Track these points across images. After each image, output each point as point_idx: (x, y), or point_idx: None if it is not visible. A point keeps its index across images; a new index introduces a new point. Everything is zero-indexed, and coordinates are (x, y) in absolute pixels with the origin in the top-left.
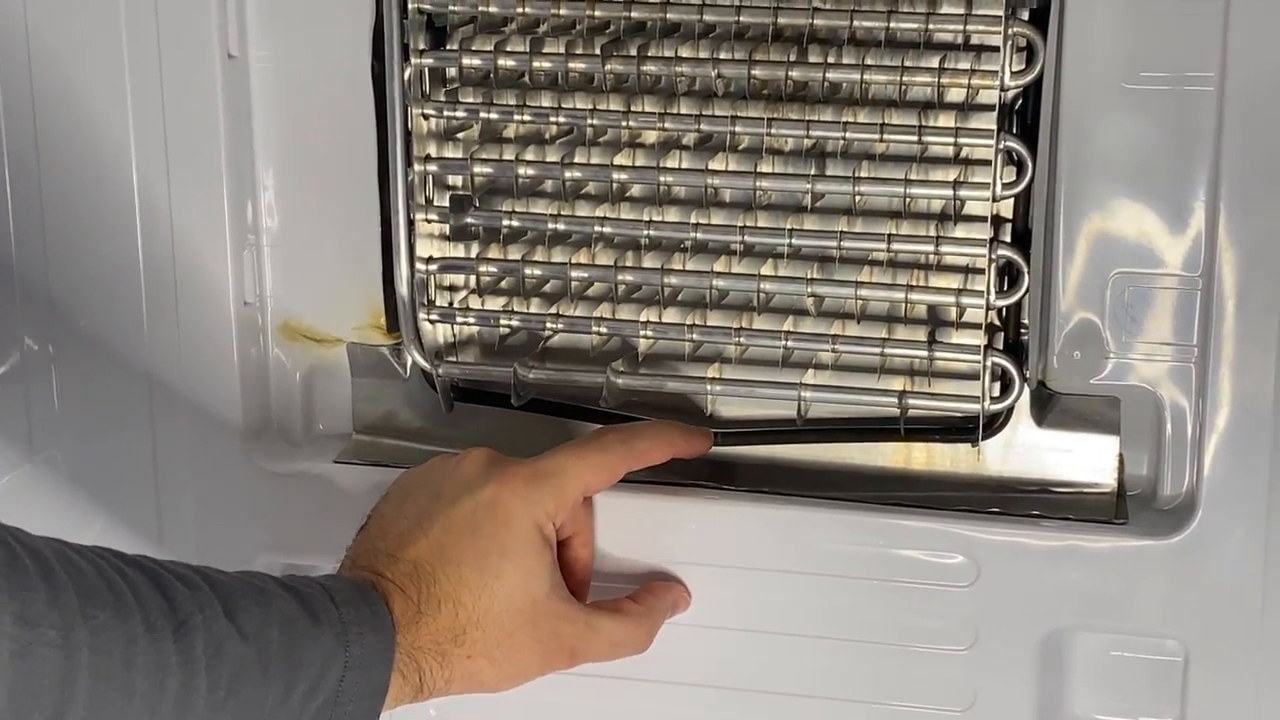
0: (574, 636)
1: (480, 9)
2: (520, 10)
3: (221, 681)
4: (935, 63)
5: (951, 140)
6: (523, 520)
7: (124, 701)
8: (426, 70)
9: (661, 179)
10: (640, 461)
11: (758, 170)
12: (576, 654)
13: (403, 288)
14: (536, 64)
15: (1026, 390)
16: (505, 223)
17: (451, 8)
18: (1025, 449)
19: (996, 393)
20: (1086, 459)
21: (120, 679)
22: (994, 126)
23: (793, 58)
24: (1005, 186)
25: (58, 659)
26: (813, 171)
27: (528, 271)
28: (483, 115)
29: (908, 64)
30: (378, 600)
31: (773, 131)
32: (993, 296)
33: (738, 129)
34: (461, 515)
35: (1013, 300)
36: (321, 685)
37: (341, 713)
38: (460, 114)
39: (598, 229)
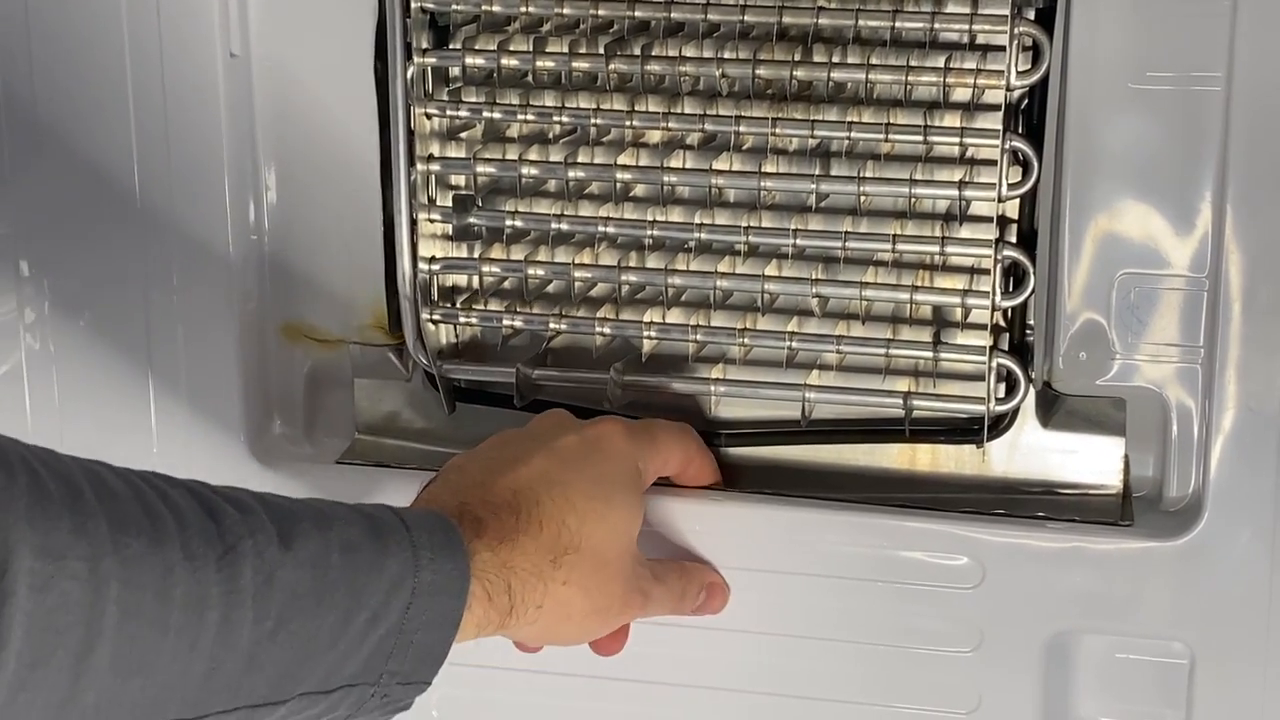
0: (645, 579)
1: (483, 8)
2: (523, 9)
3: (271, 611)
4: (941, 62)
5: (957, 140)
6: (628, 458)
7: (158, 636)
8: (429, 69)
9: (665, 179)
10: (697, 473)
11: (762, 170)
12: (647, 599)
13: (405, 288)
14: (540, 63)
15: (1032, 391)
16: (508, 223)
17: (454, 7)
18: (1030, 450)
19: (1001, 394)
20: (1092, 460)
21: (153, 612)
22: (999, 126)
23: (797, 57)
24: (1011, 187)
25: (82, 593)
26: (817, 171)
27: (531, 272)
28: (486, 115)
29: (913, 63)
30: (453, 527)
31: (777, 131)
32: (998, 297)
33: (742, 128)
34: (568, 446)
35: (1018, 301)
36: (385, 613)
37: (407, 642)
38: (463, 113)
39: (601, 229)
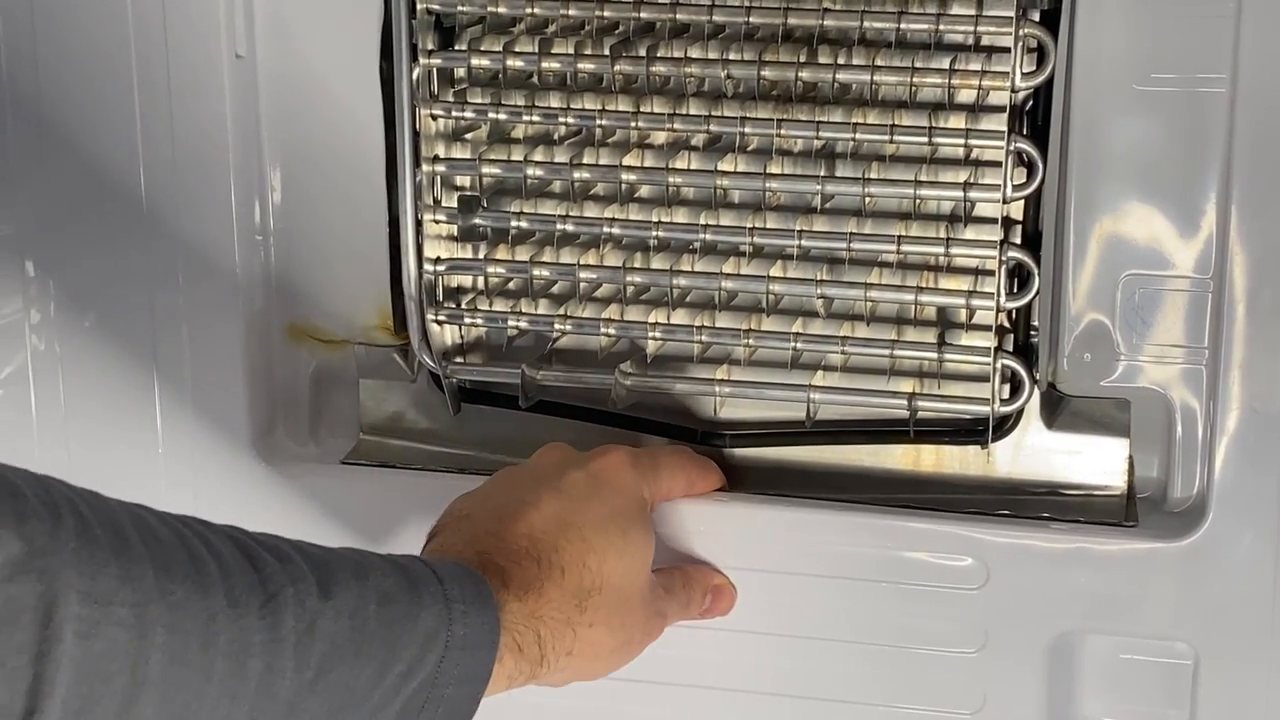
0: (663, 598)
1: (489, 9)
2: (529, 11)
3: (311, 661)
4: (945, 64)
5: (962, 141)
6: (635, 490)
7: (201, 684)
8: (435, 70)
9: (670, 180)
10: (703, 488)
11: (767, 171)
12: (665, 618)
13: (410, 289)
14: (545, 64)
15: (1036, 392)
16: (513, 223)
17: (460, 8)
18: (1035, 451)
19: (1006, 395)
20: (1096, 461)
21: (197, 660)
22: (1004, 128)
23: (802, 58)
24: (1016, 188)
25: (128, 640)
26: (822, 172)
27: (536, 272)
28: (491, 116)
29: (918, 65)
30: (483, 580)
31: (782, 132)
32: (1003, 298)
33: (747, 130)
34: (574, 484)
35: (1023, 302)
36: (419, 667)
37: (439, 695)
38: (469, 114)
39: (606, 230)
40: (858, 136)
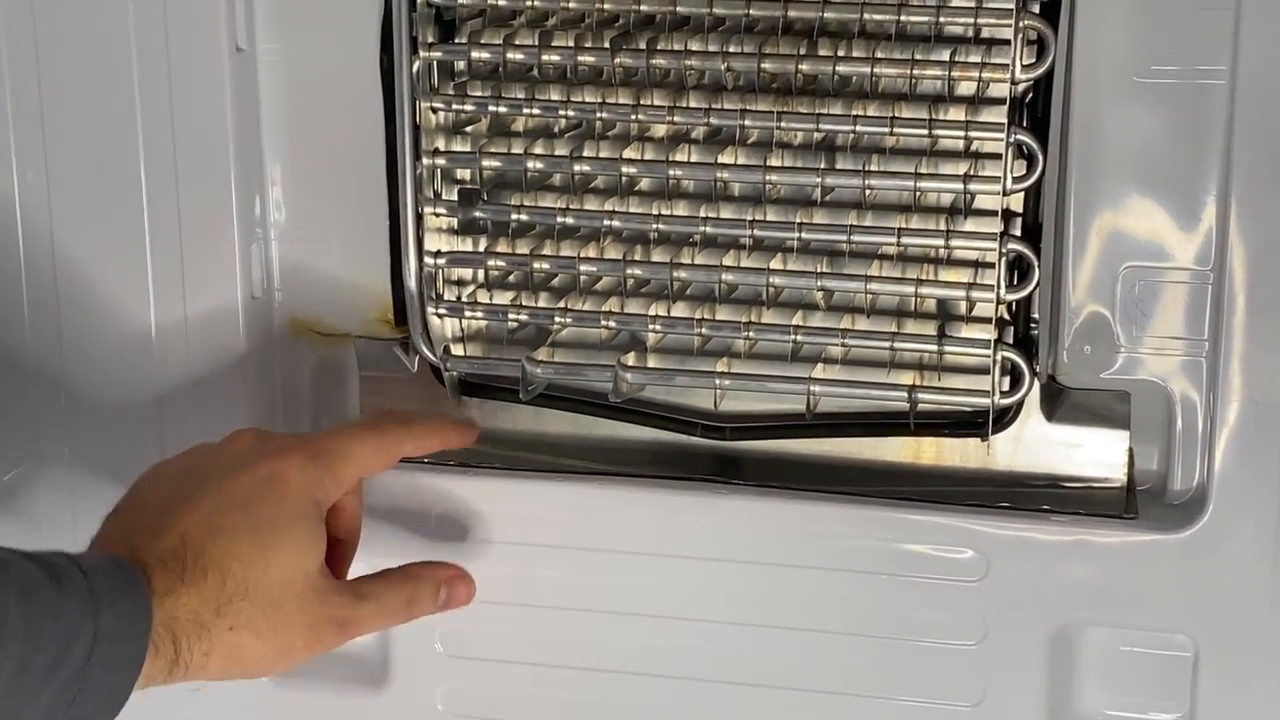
0: (342, 606)
1: (489, 2)
2: (529, 3)
3: None
4: (945, 56)
5: (962, 134)
6: (300, 494)
7: None
8: (435, 63)
9: (670, 173)
10: (417, 450)
11: (767, 164)
12: (346, 626)
13: (411, 281)
14: (545, 57)
15: (1036, 384)
16: (514, 216)
17: (460, 1)
18: (1035, 443)
19: (1006, 387)
20: (1096, 453)
21: None
22: (1004, 120)
23: (802, 51)
24: (1015, 180)
25: None
26: (822, 165)
27: (536, 265)
28: (491, 109)
29: (918, 57)
30: (132, 570)
31: (782, 125)
32: (1003, 290)
33: (747, 122)
34: (236, 488)
35: (1023, 294)
36: (67, 658)
37: (90, 687)
38: (469, 107)
39: (606, 223)
40: (858, 129)
